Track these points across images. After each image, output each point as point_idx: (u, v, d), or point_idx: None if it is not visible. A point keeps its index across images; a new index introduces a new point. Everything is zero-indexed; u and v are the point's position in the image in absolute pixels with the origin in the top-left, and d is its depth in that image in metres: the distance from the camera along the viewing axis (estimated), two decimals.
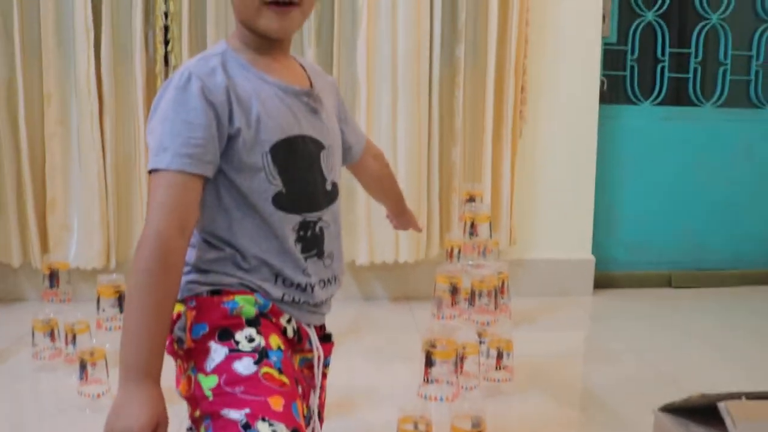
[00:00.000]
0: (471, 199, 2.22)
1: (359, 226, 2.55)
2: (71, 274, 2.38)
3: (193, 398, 0.99)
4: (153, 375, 0.90)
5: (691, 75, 3.04)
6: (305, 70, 1.15)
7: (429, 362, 1.68)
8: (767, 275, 3.10)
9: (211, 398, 0.96)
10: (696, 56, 3.03)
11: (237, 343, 0.99)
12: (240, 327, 1.01)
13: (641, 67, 3.00)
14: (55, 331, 2.03)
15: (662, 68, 3.00)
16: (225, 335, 1.00)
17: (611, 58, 2.97)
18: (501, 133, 2.61)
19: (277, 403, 0.95)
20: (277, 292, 1.04)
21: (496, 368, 1.86)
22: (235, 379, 0.96)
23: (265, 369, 0.98)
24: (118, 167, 2.51)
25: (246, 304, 1.02)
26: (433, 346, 1.69)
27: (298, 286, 1.06)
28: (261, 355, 0.99)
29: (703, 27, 3.01)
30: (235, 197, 1.03)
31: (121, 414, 0.87)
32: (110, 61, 2.44)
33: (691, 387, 1.90)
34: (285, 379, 0.99)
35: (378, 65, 2.50)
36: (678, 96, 3.08)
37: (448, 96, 2.59)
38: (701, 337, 2.42)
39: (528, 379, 1.95)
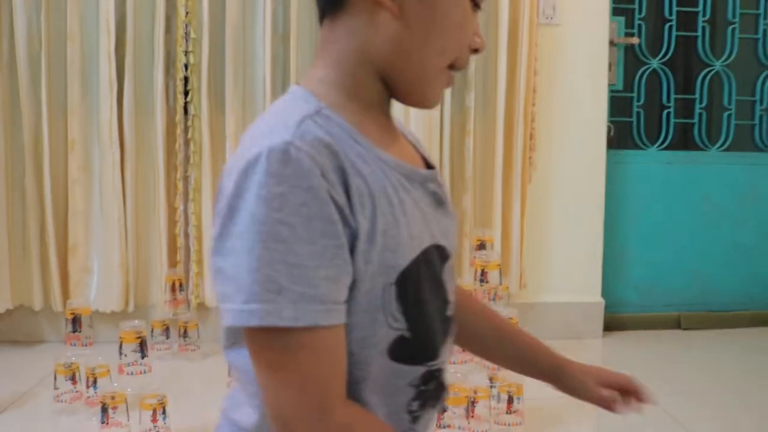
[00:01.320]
0: (481, 245, 2.28)
1: None
2: (92, 317, 2.44)
3: None
4: None
5: (696, 120, 3.10)
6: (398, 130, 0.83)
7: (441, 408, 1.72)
8: None
9: None
10: (701, 102, 3.09)
11: None
12: None
13: (647, 113, 3.07)
14: (77, 375, 2.08)
15: (668, 114, 3.07)
16: None
17: (618, 105, 3.03)
18: (511, 180, 2.68)
19: None
20: None
21: (507, 412, 1.90)
22: None
23: None
24: (138, 212, 2.59)
25: None
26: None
27: None
28: None
29: (708, 73, 3.08)
30: None
31: None
32: (132, 111, 2.53)
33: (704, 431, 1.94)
34: None
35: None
36: (684, 141, 3.14)
37: (459, 143, 2.66)
38: (713, 379, 2.44)
39: (539, 423, 1.98)
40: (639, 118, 3.05)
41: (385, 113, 0.80)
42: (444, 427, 1.72)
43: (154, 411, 1.76)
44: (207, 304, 2.61)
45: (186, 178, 2.58)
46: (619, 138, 3.04)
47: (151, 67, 2.53)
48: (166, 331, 2.48)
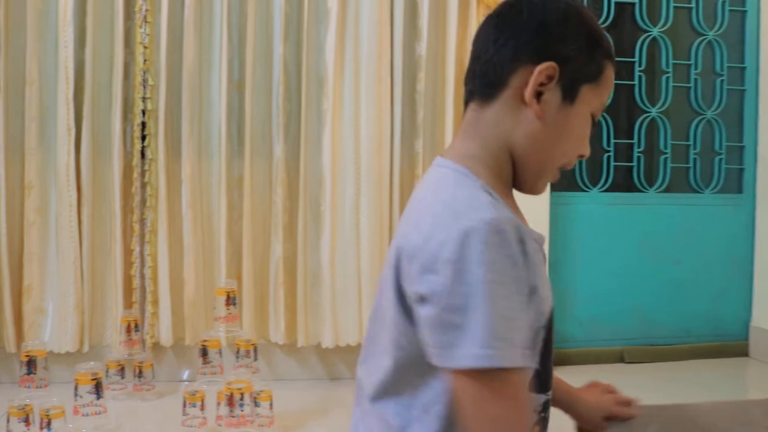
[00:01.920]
0: None
1: (324, 309, 2.67)
2: (47, 359, 2.46)
3: None
4: None
5: (635, 163, 3.27)
6: None
7: None
8: (714, 349, 3.28)
9: None
10: (639, 146, 3.26)
11: None
12: None
13: (590, 157, 3.20)
14: (30, 417, 2.10)
15: (608, 157, 3.23)
16: None
17: None
18: None
19: None
20: None
21: None
22: None
23: None
24: (93, 254, 2.62)
25: None
26: None
27: None
28: None
29: (645, 119, 3.26)
30: None
31: None
32: (89, 155, 2.58)
33: None
34: None
35: (342, 161, 2.68)
36: (624, 183, 3.29)
37: (408, 187, 2.76)
38: None
39: None
40: (581, 161, 3.20)
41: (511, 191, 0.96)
42: None
43: None
44: (162, 344, 2.64)
45: (142, 221, 2.63)
46: (564, 180, 3.19)
47: (109, 113, 2.59)
48: (122, 371, 2.51)
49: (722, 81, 3.35)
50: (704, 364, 3.18)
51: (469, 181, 0.86)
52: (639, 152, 3.26)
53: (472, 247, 0.77)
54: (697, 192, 3.35)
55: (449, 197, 0.84)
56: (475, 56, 0.95)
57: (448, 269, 0.77)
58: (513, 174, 0.94)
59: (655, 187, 3.29)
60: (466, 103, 0.96)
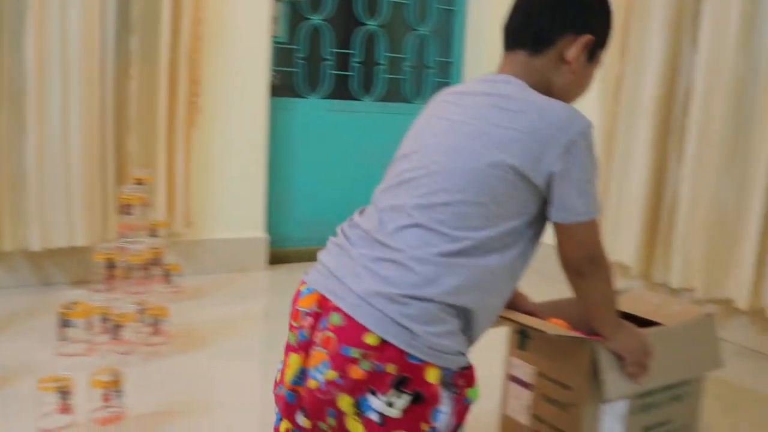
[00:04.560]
0: (140, 183, 2.39)
1: (29, 210, 2.58)
2: None
3: None
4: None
5: (353, 73, 3.47)
6: None
7: (65, 323, 1.89)
8: None
9: None
10: (356, 56, 3.46)
11: None
12: (464, 421, 1.18)
13: (309, 65, 3.36)
14: None
15: (327, 66, 3.39)
16: (456, 430, 1.16)
17: (283, 56, 3.28)
18: (175, 123, 2.80)
19: None
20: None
21: (154, 334, 2.07)
22: None
23: None
24: None
25: (474, 395, 1.19)
26: (68, 308, 1.87)
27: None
28: None
29: (363, 31, 3.45)
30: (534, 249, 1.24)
31: (631, 334, 1.38)
32: None
33: None
34: None
35: (48, 55, 2.54)
36: (342, 91, 3.49)
37: (122, 87, 2.71)
38: None
39: (186, 344, 2.19)
40: (301, 68, 3.33)
41: None
42: (68, 341, 1.85)
43: None
44: None
45: None
46: (284, 86, 3.30)
47: None
48: None
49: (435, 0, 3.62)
50: None
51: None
52: (357, 62, 3.46)
53: (590, 138, 1.17)
54: (409, 102, 3.65)
55: (556, 101, 1.19)
56: (527, 14, 1.28)
57: (584, 154, 1.15)
58: None
59: (371, 95, 3.52)
60: (512, 47, 1.28)
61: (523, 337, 1.56)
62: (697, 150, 2.44)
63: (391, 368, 1.08)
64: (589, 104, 2.82)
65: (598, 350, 1.37)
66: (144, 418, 1.67)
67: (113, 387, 1.57)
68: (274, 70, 3.19)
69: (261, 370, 2.12)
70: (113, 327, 1.92)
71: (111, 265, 2.16)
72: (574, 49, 1.25)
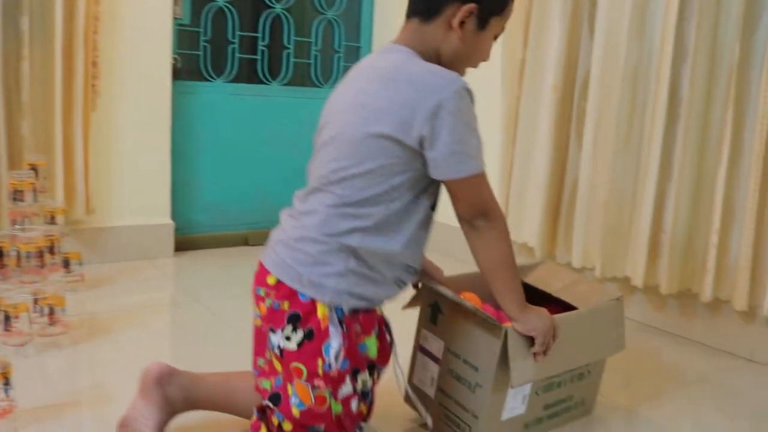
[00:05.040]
0: (33, 169, 2.29)
1: None
2: None
3: (320, 414, 1.31)
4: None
5: (259, 56, 3.42)
6: None
7: None
8: None
9: (333, 420, 1.32)
10: (263, 40, 3.41)
11: (357, 383, 1.34)
12: (363, 368, 1.35)
13: (214, 48, 3.29)
14: None
15: (233, 49, 3.33)
16: (354, 374, 1.33)
17: (186, 38, 3.20)
18: (72, 106, 2.68)
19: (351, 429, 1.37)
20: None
21: (51, 325, 1.99)
22: (348, 414, 1.34)
23: (361, 406, 1.37)
24: None
25: (372, 346, 1.35)
26: None
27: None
28: (363, 396, 1.37)
29: (269, 15, 3.40)
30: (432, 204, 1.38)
31: (540, 318, 1.39)
32: None
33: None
34: (365, 408, 1.40)
35: None
36: (249, 74, 3.44)
37: (13, 68, 2.58)
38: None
39: (85, 333, 2.12)
40: (206, 51, 3.26)
41: None
42: None
43: None
44: None
45: None
46: (188, 70, 3.23)
47: None
48: None
49: None
50: None
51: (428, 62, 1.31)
52: (263, 46, 3.41)
53: (461, 100, 1.21)
54: (317, 86, 3.63)
55: (430, 67, 1.27)
56: None
57: (452, 115, 1.21)
58: None
59: (279, 79, 3.48)
60: (408, 15, 1.37)
61: (435, 311, 1.59)
62: (594, 134, 2.53)
63: (285, 305, 1.29)
64: (494, 89, 2.89)
65: (509, 336, 1.39)
66: (38, 411, 1.60)
67: (1, 380, 1.50)
68: (177, 53, 3.11)
69: (165, 359, 2.07)
70: (4, 318, 1.84)
71: (1, 254, 2.06)
72: (458, 17, 1.32)
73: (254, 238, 3.41)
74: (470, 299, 1.64)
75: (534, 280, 1.80)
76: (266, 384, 1.36)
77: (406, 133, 1.24)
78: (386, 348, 1.43)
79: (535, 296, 1.71)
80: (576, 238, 2.62)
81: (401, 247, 1.32)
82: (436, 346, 1.59)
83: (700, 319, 2.39)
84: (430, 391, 1.61)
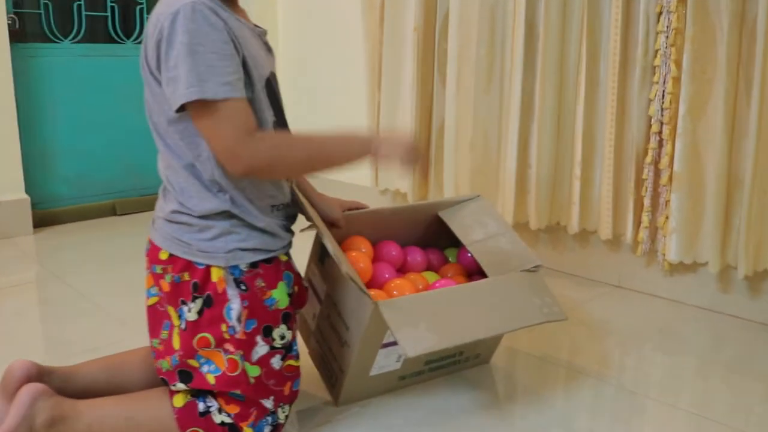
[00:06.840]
0: None
1: None
2: None
3: (234, 380, 1.23)
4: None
5: (108, 13, 3.20)
6: None
7: None
8: None
9: (252, 384, 1.25)
10: None
11: (273, 340, 1.27)
12: (276, 323, 1.28)
13: (57, 6, 3.04)
14: None
15: (79, 7, 3.09)
16: (267, 332, 1.26)
17: None
18: None
19: (288, 388, 1.31)
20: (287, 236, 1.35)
21: None
22: (270, 373, 1.27)
23: (288, 362, 1.30)
24: None
25: (281, 297, 1.28)
26: None
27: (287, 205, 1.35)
28: (287, 350, 1.30)
29: None
30: None
31: (389, 143, 1.26)
32: None
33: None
34: (297, 362, 1.33)
35: None
36: (98, 34, 3.20)
37: None
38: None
39: None
40: (47, 10, 3.02)
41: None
42: None
43: None
44: None
45: None
46: (30, 32, 2.98)
47: None
48: None
49: None
50: None
51: None
52: (112, 2, 3.20)
53: (178, 23, 1.10)
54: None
55: (168, 3, 1.14)
56: None
57: (164, 43, 1.11)
58: None
59: (133, 38, 3.28)
60: None
61: (323, 252, 1.50)
62: (457, 74, 2.52)
63: (186, 276, 1.23)
64: (356, 36, 2.83)
65: (380, 312, 1.29)
66: None
67: None
68: (13, 12, 2.86)
69: (29, 344, 1.95)
70: None
71: None
72: None
73: (123, 206, 3.24)
74: (359, 244, 1.60)
75: (457, 225, 1.71)
76: (164, 364, 1.28)
77: (157, 71, 1.19)
78: (302, 293, 1.39)
79: (456, 240, 1.69)
80: (447, 180, 2.63)
81: (256, 191, 1.26)
82: (320, 287, 1.54)
83: (570, 251, 2.46)
84: (312, 326, 1.58)
